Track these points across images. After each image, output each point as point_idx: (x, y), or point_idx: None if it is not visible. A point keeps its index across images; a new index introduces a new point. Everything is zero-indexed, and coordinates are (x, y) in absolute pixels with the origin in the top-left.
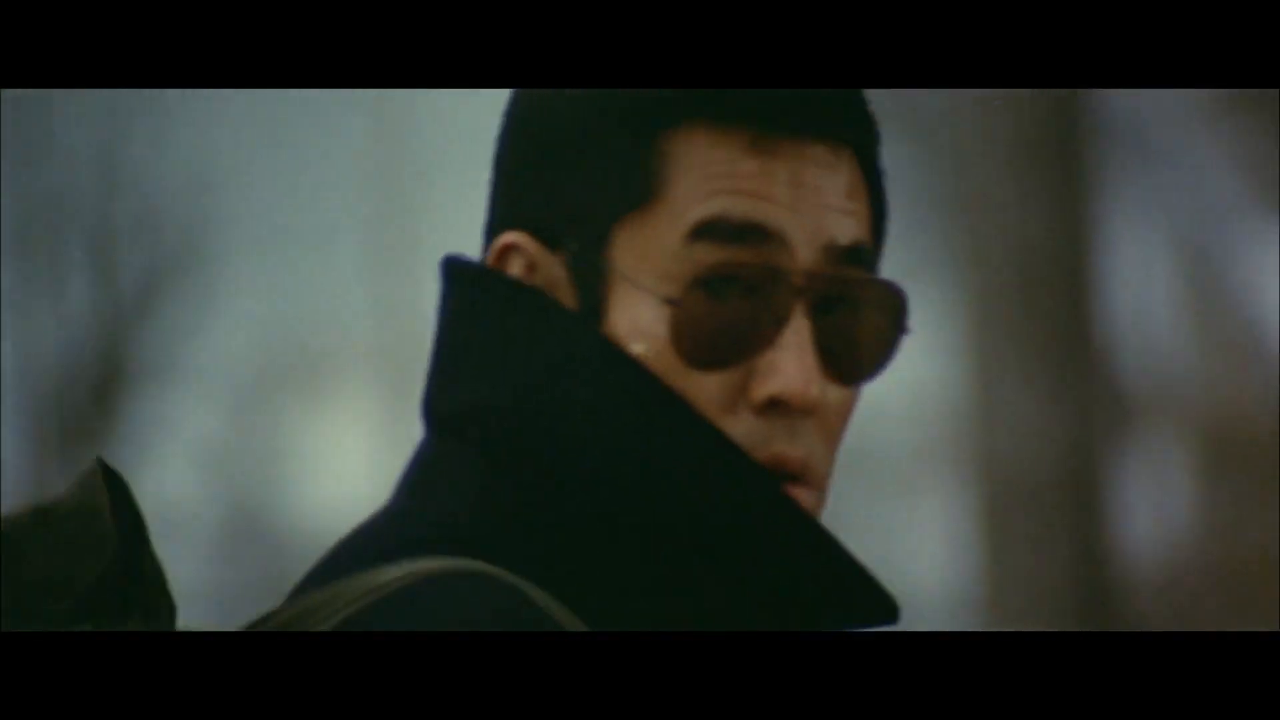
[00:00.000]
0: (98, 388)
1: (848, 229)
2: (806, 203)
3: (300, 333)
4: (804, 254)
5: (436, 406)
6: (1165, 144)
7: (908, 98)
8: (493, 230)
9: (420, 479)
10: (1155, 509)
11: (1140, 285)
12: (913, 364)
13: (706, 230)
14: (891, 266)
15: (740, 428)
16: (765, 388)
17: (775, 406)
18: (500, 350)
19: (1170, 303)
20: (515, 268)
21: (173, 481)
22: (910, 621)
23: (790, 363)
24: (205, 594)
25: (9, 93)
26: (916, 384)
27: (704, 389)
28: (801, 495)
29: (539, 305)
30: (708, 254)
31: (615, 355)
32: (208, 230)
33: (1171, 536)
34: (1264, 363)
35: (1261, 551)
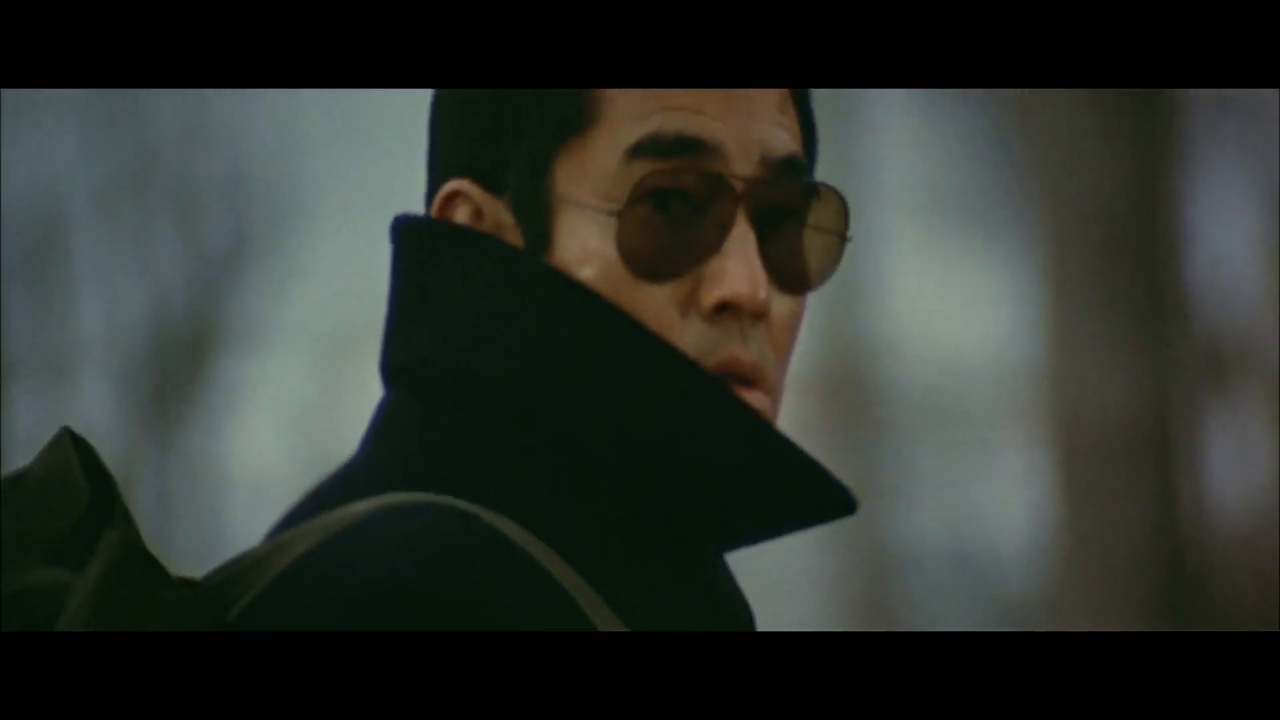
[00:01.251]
0: (187, 351)
1: (782, 141)
2: (740, 115)
3: (384, 295)
4: (741, 164)
5: (391, 361)
6: (1248, 93)
7: None
8: (434, 184)
9: (378, 433)
10: (1236, 464)
11: (1222, 238)
12: (991, 319)
13: (644, 148)
14: (969, 221)
15: (691, 335)
16: (714, 293)
17: (725, 311)
18: (448, 295)
19: (1252, 255)
20: (461, 215)
21: (261, 442)
22: (990, 578)
23: (737, 267)
24: None
25: None
26: (995, 340)
27: (654, 300)
28: (754, 398)
29: (482, 245)
30: (647, 168)
31: (559, 280)
32: (293, 193)
33: (1253, 491)
34: None
35: None
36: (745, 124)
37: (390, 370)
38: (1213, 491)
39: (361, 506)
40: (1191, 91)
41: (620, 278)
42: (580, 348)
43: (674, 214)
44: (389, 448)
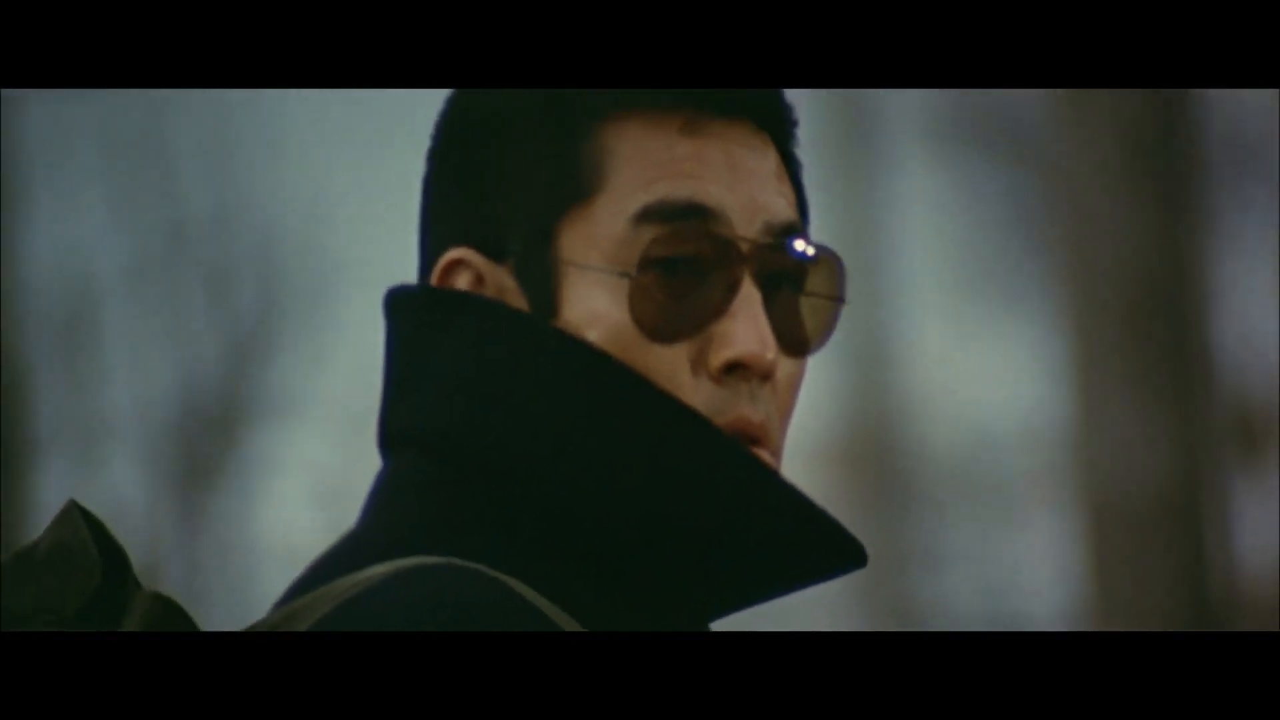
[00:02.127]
0: (217, 425)
1: (781, 209)
2: (742, 183)
3: None
4: (745, 229)
5: (391, 429)
6: (1273, 157)
7: (1010, 116)
8: (430, 253)
9: (381, 502)
10: (1266, 530)
11: (1249, 302)
12: (1019, 386)
13: (652, 213)
14: (996, 288)
15: (701, 395)
16: (723, 354)
17: (734, 371)
18: (454, 361)
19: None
20: (462, 282)
21: (291, 515)
22: None
23: (745, 328)
24: None
25: (125, 132)
26: (1023, 407)
27: (665, 361)
28: (763, 456)
29: (489, 309)
30: (655, 232)
31: (571, 342)
32: (322, 267)
33: None
34: None
35: None
36: (747, 191)
37: (392, 439)
38: (1243, 557)
39: (378, 570)
40: (1215, 151)
41: (630, 339)
42: (594, 408)
43: (683, 276)
44: (394, 516)
